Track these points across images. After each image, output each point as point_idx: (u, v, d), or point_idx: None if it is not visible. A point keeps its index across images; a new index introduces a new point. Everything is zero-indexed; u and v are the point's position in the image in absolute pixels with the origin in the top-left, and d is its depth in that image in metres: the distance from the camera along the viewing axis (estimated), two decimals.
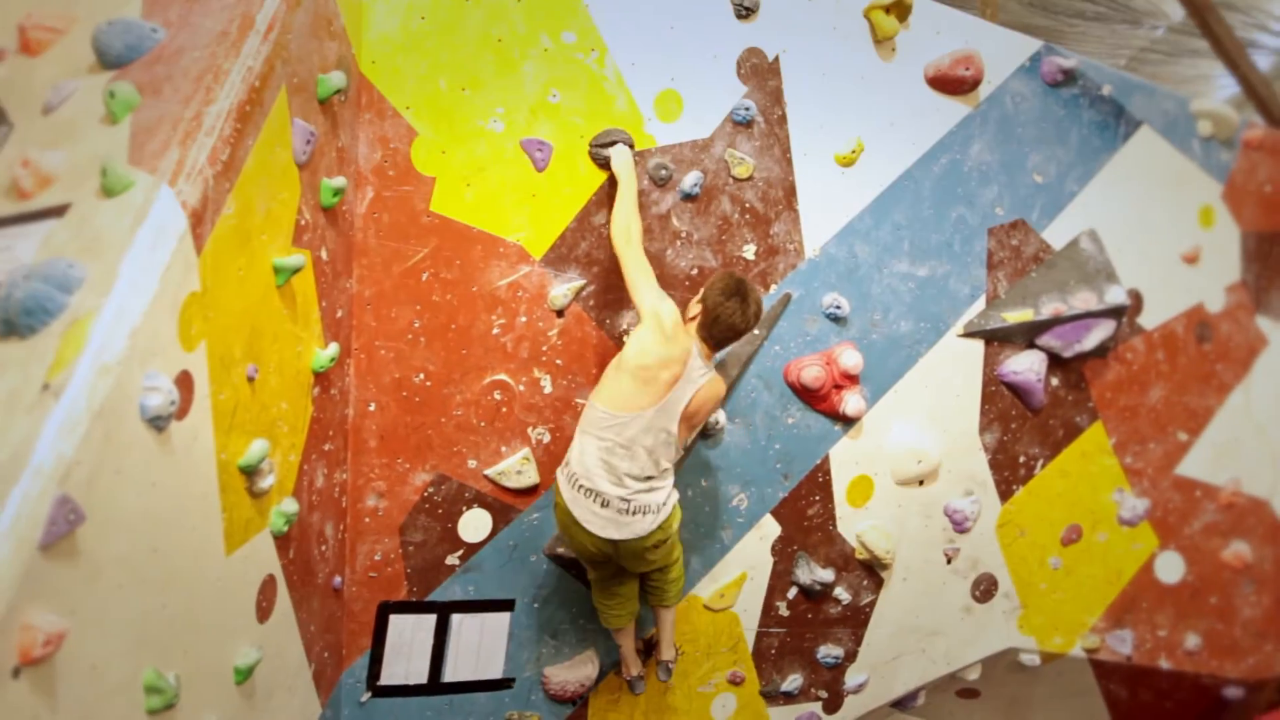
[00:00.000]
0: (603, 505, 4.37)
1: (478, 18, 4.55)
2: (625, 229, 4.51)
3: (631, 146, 4.76)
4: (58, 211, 3.32)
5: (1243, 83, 7.69)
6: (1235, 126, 6.53)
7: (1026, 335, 5.81)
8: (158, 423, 2.99)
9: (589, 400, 4.48)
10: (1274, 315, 6.83)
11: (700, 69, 4.91)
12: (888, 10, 5.26)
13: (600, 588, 4.78)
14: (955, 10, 5.68)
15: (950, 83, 5.48)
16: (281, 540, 3.90)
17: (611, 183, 4.75)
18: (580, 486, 4.38)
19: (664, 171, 4.83)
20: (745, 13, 4.96)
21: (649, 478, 4.41)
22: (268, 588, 3.82)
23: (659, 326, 4.37)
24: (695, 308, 4.55)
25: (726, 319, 4.44)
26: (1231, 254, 6.67)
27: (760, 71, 5.03)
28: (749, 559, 5.32)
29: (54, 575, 2.60)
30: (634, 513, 4.40)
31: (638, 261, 4.48)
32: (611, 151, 4.70)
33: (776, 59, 5.04)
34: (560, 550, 4.92)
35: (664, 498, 4.46)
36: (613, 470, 4.36)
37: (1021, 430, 5.90)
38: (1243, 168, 6.63)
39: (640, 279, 4.45)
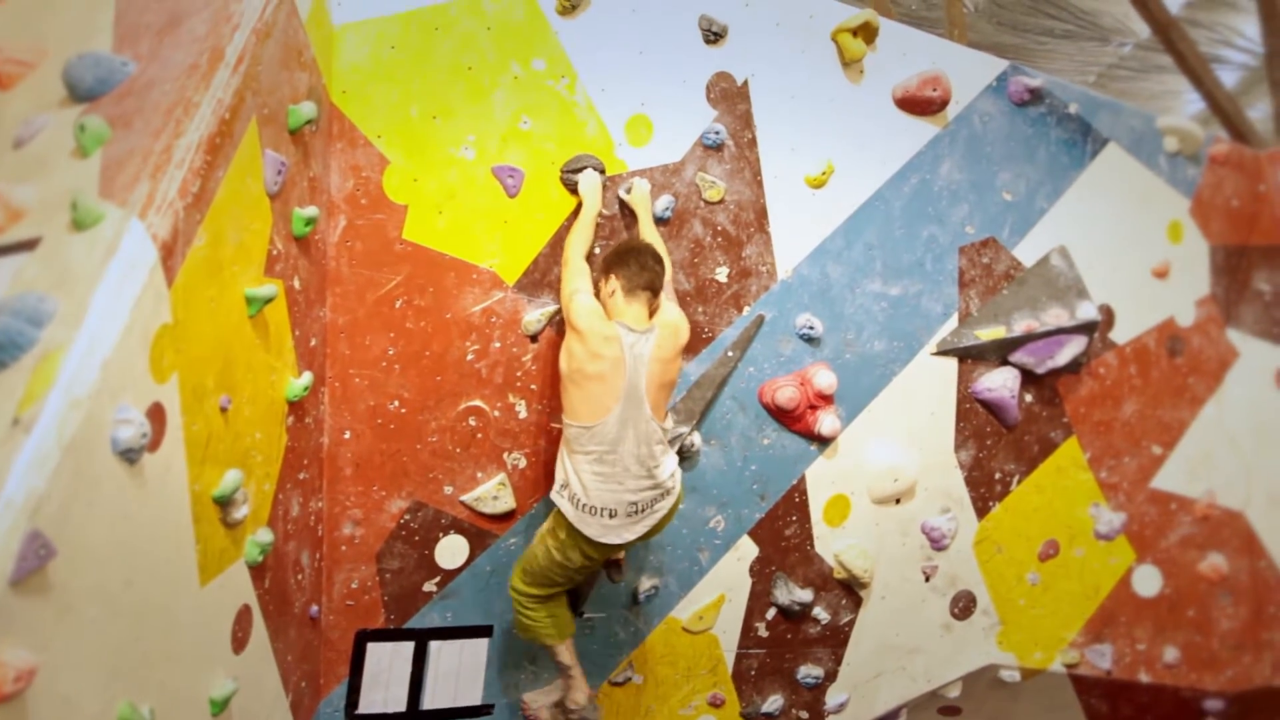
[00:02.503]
0: (610, 516, 4.36)
1: (448, 46, 4.58)
2: (568, 244, 4.57)
3: (602, 172, 4.80)
4: (28, 245, 3.32)
5: (1208, 99, 7.80)
6: (1201, 142, 6.61)
7: (999, 352, 5.85)
8: (129, 455, 2.99)
9: (563, 419, 4.45)
10: (1244, 328, 6.89)
11: (670, 94, 4.96)
12: (855, 33, 5.31)
13: (549, 602, 4.68)
14: (921, 32, 5.75)
15: (918, 103, 5.54)
16: (257, 570, 3.90)
17: None
18: (583, 506, 4.35)
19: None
20: (714, 38, 5.01)
21: (649, 471, 4.38)
22: (243, 618, 3.81)
23: (573, 330, 4.35)
24: (612, 285, 4.46)
25: (644, 279, 4.42)
26: (1200, 268, 6.73)
27: (730, 95, 5.08)
28: (727, 580, 5.33)
29: (25, 611, 2.59)
30: (642, 511, 4.40)
31: (566, 273, 4.51)
32: (580, 177, 4.72)
33: (746, 83, 5.08)
34: None
35: (668, 487, 4.45)
36: (608, 479, 4.33)
37: (997, 447, 5.94)
38: (1209, 183, 6.70)
39: (567, 289, 4.47)
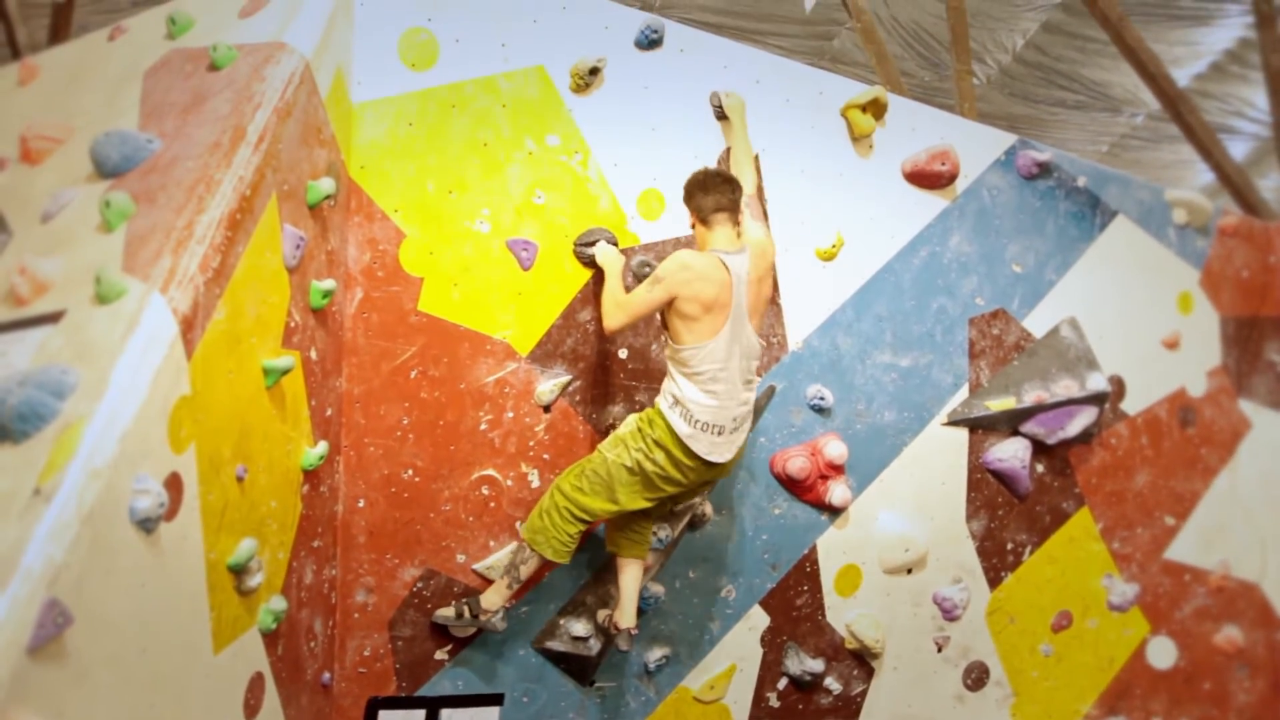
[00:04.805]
0: (718, 434, 4.54)
1: (464, 123, 4.69)
2: (614, 300, 4.62)
3: (615, 245, 4.87)
4: (53, 318, 3.42)
5: (1217, 171, 7.88)
6: (1209, 214, 6.67)
7: (1010, 423, 5.88)
8: (147, 525, 3.05)
9: (668, 346, 4.60)
10: (1256, 398, 6.90)
11: (682, 168, 5.00)
12: (864, 109, 5.42)
13: (582, 525, 4.66)
14: (930, 107, 5.86)
15: (927, 177, 5.63)
16: (270, 637, 3.94)
17: (597, 281, 4.86)
18: (698, 423, 4.50)
19: (647, 269, 4.93)
20: (725, 114, 5.10)
21: (747, 384, 4.62)
22: (256, 685, 3.84)
23: (689, 276, 4.46)
24: (691, 219, 4.71)
25: (713, 202, 4.61)
26: (1211, 339, 6.77)
27: None
28: (738, 650, 5.34)
29: (42, 678, 2.64)
30: (738, 427, 4.62)
31: (630, 298, 4.59)
32: (595, 249, 4.80)
33: (756, 158, 5.17)
34: (549, 644, 4.94)
35: (751, 405, 4.69)
36: (719, 396, 4.51)
37: (1008, 517, 5.95)
38: (1219, 254, 6.76)
39: (642, 297, 4.54)
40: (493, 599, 4.68)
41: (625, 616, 4.79)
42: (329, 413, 4.44)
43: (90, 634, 2.81)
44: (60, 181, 4.22)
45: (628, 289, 4.77)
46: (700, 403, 4.50)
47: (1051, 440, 5.96)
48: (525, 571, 4.67)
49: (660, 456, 4.53)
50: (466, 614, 4.67)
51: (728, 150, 5.14)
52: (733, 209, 4.67)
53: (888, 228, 5.58)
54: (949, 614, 5.79)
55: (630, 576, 4.82)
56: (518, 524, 4.82)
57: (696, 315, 4.48)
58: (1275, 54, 8.01)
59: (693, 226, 4.73)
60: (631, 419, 4.71)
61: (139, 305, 3.27)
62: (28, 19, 8.48)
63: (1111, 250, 6.29)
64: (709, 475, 4.68)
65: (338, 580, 4.61)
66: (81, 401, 3.03)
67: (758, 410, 5.21)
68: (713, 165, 5.08)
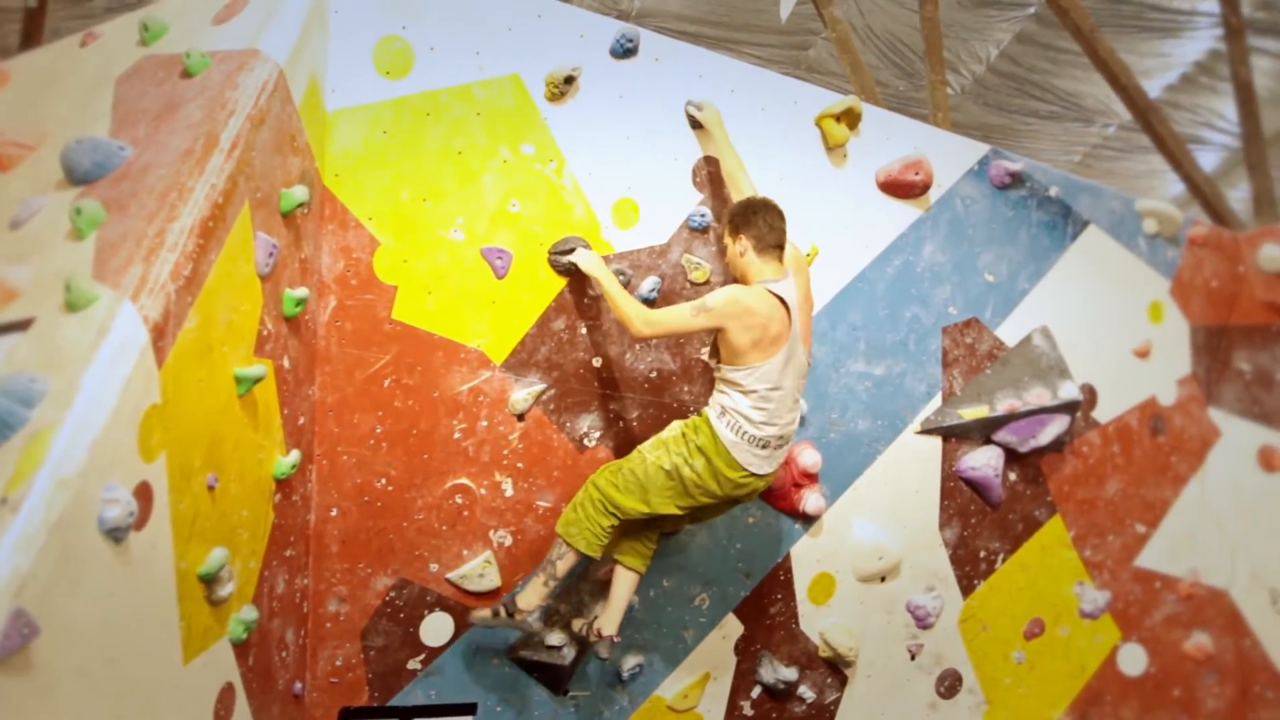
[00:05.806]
0: (762, 447, 4.54)
1: (439, 131, 4.68)
2: (636, 313, 4.55)
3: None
4: (22, 326, 3.40)
5: (1187, 181, 7.93)
6: (1179, 224, 6.72)
7: (983, 431, 5.91)
8: (116, 534, 3.03)
9: (717, 367, 4.59)
10: (1225, 407, 6.96)
11: (656, 177, 5.05)
12: (838, 119, 5.44)
13: (617, 521, 4.64)
14: (903, 117, 5.88)
15: (901, 187, 5.65)
16: (241, 647, 3.91)
17: (571, 289, 4.87)
18: (745, 434, 4.51)
19: (622, 277, 4.92)
20: (699, 123, 5.11)
21: (795, 401, 4.65)
22: (226, 696, 3.82)
23: (739, 311, 4.45)
24: (742, 245, 4.61)
25: (777, 236, 4.60)
26: (1181, 348, 6.81)
27: (715, 179, 5.17)
28: (712, 658, 5.34)
29: (7, 689, 2.63)
30: (781, 445, 4.63)
31: (665, 317, 4.58)
32: (575, 257, 4.78)
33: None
34: (523, 653, 4.93)
35: (796, 424, 4.70)
36: (770, 414, 4.51)
37: (981, 525, 5.97)
38: (1189, 264, 6.81)
39: (682, 320, 4.54)
40: (529, 598, 4.68)
41: (610, 623, 4.78)
42: (302, 421, 4.42)
43: (57, 645, 2.79)
44: (30, 188, 4.19)
45: (601, 298, 4.77)
46: (751, 417, 4.50)
47: (1024, 449, 5.99)
48: (562, 568, 4.67)
49: (700, 463, 4.53)
50: (503, 614, 4.68)
51: (704, 158, 5.14)
52: (784, 246, 4.67)
53: (861, 237, 5.60)
54: (922, 622, 5.81)
55: (624, 585, 4.82)
56: (491, 532, 4.81)
57: (747, 349, 4.48)
58: (1244, 66, 8.10)
59: (740, 255, 4.64)
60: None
61: (109, 313, 3.25)
62: None
63: (1083, 260, 6.33)
64: (742, 492, 4.64)
65: (310, 590, 4.59)
66: (50, 409, 3.01)
67: None
68: (688, 171, 5.10)
